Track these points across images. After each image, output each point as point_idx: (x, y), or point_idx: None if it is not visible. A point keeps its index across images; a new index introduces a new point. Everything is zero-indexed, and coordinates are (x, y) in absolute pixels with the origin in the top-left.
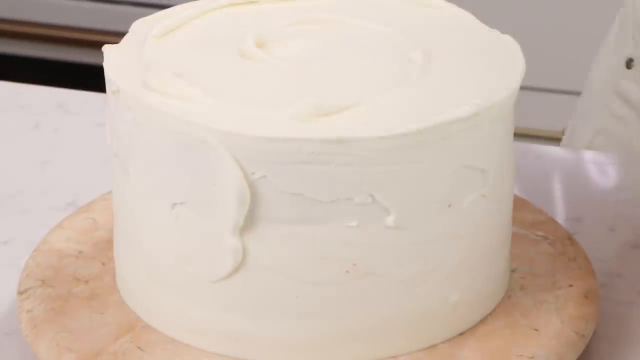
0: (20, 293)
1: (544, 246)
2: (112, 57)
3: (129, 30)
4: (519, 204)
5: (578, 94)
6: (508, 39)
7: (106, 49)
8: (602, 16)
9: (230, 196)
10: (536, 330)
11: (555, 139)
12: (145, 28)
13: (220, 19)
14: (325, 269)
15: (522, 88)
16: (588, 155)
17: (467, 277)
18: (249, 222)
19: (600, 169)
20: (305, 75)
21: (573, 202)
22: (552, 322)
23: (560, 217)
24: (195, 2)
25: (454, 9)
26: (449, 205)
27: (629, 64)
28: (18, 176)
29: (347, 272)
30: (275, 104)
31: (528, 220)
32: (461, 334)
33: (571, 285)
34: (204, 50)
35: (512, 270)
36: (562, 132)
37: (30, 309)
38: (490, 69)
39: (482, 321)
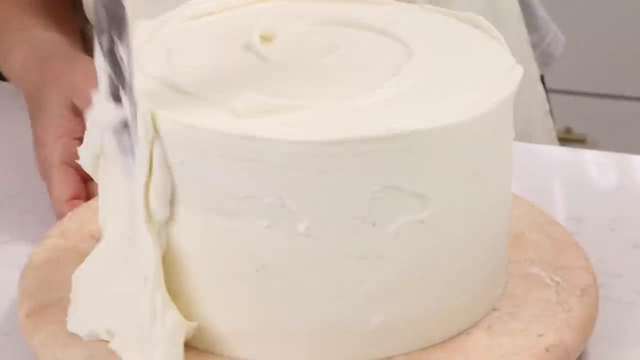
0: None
1: (549, 292)
2: None
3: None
4: (561, 243)
5: (578, 94)
6: (512, 62)
7: None
8: (603, 16)
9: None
10: None
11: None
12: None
13: (231, 16)
14: (237, 264)
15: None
16: (588, 155)
17: (396, 302)
18: (172, 208)
19: (600, 169)
20: (283, 74)
21: (573, 202)
22: None
23: (560, 217)
24: None
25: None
26: (373, 224)
27: None
28: (18, 176)
29: (257, 270)
30: (229, 97)
31: (558, 263)
32: (389, 358)
33: (541, 335)
34: (209, 42)
35: (495, 309)
36: (562, 132)
37: (33, 254)
38: (469, 90)
39: (424, 350)
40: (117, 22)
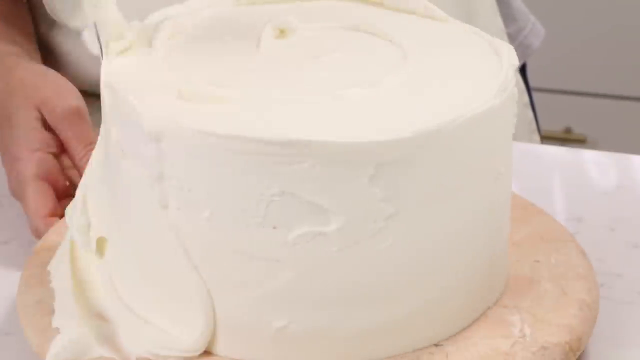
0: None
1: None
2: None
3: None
4: (579, 256)
5: (579, 94)
6: (506, 56)
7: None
8: (604, 16)
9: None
10: None
11: (555, 139)
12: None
13: (237, 14)
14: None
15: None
16: (588, 155)
17: (294, 307)
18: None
19: (600, 169)
20: (277, 72)
21: (573, 202)
22: None
23: (560, 217)
24: None
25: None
26: (273, 227)
27: None
28: None
29: (174, 256)
30: (186, 82)
31: (567, 276)
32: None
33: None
34: (210, 38)
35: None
36: (562, 132)
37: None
38: (462, 90)
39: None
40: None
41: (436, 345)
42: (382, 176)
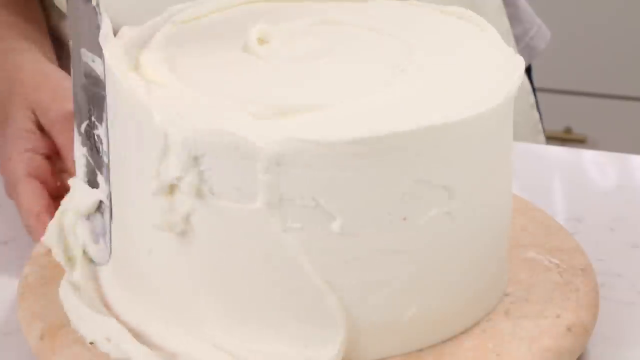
0: (29, 258)
1: (552, 274)
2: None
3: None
4: (546, 227)
5: (579, 94)
6: (511, 52)
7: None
8: (605, 16)
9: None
10: (497, 355)
11: (555, 139)
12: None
13: (229, 16)
14: (269, 267)
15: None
16: (588, 155)
17: (427, 294)
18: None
19: (600, 169)
20: (290, 75)
21: (573, 202)
22: (520, 351)
23: (560, 217)
24: None
25: (478, 20)
26: (404, 219)
27: None
28: None
29: (291, 273)
30: (243, 100)
31: (550, 245)
32: (420, 350)
33: (558, 316)
34: (205, 44)
35: (506, 294)
36: (562, 132)
37: (27, 275)
38: (477, 83)
39: (452, 339)
40: (96, 104)
41: None
42: (486, 147)
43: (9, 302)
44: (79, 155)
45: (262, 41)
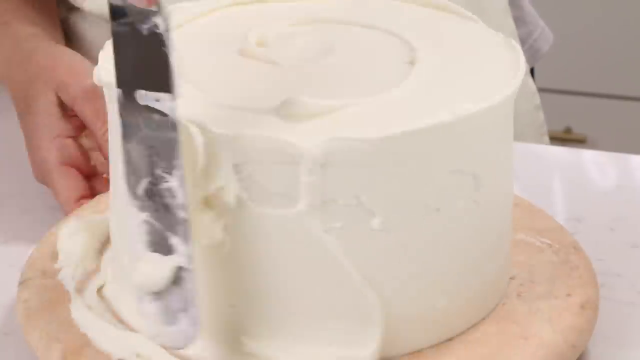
0: (20, 283)
1: (548, 254)
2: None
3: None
4: (528, 210)
5: (579, 94)
6: (512, 42)
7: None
8: (604, 16)
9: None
10: (525, 338)
11: (555, 139)
12: None
13: (224, 17)
14: (310, 265)
15: None
16: (588, 155)
17: (457, 283)
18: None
19: (600, 169)
20: (299, 76)
21: (573, 202)
22: (544, 331)
23: (560, 217)
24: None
25: (460, 10)
26: (437, 210)
27: None
28: (18, 176)
29: (332, 271)
30: (264, 103)
31: (537, 227)
32: (450, 339)
33: (569, 295)
34: (204, 48)
35: (511, 278)
36: (562, 132)
37: (26, 299)
38: (486, 73)
39: (474, 327)
40: (164, 152)
41: None
42: (506, 134)
43: (9, 302)
44: (135, 224)
45: (260, 44)
